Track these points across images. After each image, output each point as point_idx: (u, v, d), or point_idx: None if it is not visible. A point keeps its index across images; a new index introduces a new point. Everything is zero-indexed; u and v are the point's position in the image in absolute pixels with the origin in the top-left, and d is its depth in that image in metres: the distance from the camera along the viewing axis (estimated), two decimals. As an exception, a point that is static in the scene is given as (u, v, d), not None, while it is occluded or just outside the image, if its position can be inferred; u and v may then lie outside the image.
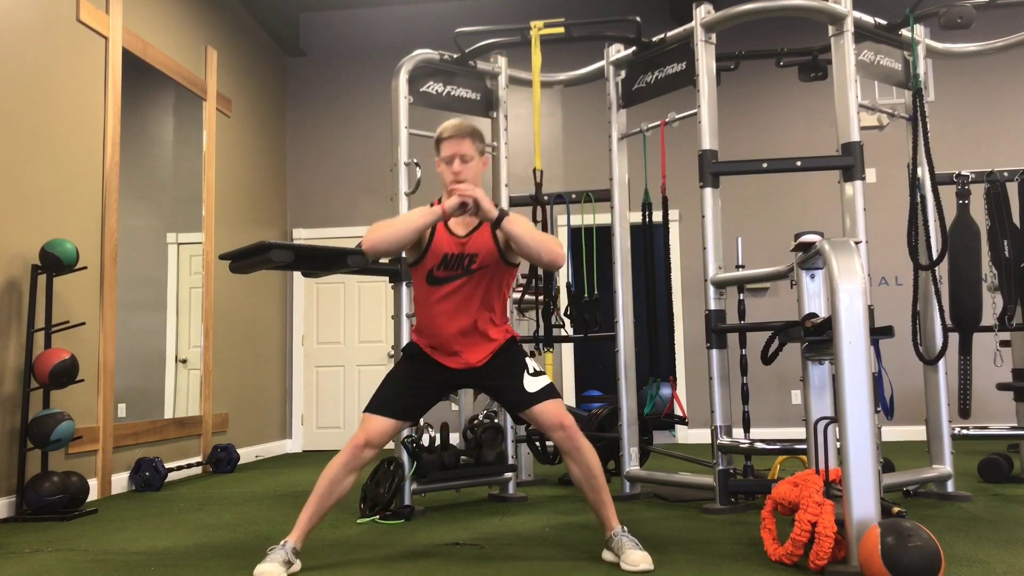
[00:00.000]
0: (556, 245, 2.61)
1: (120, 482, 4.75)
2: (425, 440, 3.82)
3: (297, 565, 2.63)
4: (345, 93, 7.66)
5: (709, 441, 3.66)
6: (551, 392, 2.72)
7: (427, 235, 2.72)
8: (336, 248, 3.66)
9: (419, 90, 4.11)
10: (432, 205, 2.70)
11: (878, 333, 3.03)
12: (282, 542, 2.61)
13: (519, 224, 2.60)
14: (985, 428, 4.31)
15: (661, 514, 3.54)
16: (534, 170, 4.18)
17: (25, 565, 2.85)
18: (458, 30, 4.14)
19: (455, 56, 4.18)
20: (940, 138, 6.44)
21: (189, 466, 5.36)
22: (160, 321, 5.59)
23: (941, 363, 3.82)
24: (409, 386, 2.79)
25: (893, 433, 6.21)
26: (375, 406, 2.73)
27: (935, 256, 3.76)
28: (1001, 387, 4.37)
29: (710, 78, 3.72)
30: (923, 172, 3.84)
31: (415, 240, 2.65)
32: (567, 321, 4.68)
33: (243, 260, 3.46)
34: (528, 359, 2.80)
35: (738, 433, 3.91)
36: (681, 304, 6.89)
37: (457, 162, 2.68)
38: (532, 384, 2.72)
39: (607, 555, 2.65)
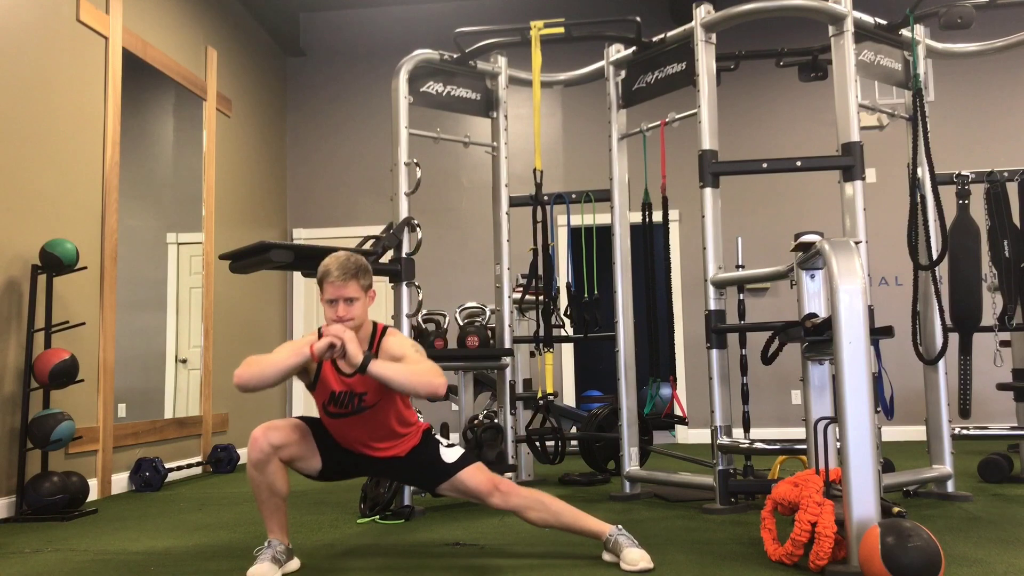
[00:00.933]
0: (433, 376, 2.49)
1: (120, 482, 4.75)
2: (425, 440, 3.82)
3: (295, 563, 2.63)
4: (345, 93, 7.66)
5: (709, 441, 3.66)
6: (467, 460, 2.70)
7: (314, 369, 2.61)
8: (336, 248, 3.65)
9: (419, 90, 4.11)
10: (319, 334, 2.59)
11: (878, 333, 3.03)
12: (267, 541, 2.60)
13: (387, 367, 2.45)
14: (985, 428, 4.31)
15: (661, 514, 3.54)
16: (534, 170, 4.18)
17: (25, 565, 2.85)
18: (458, 30, 4.15)
19: (455, 56, 4.18)
20: (940, 138, 6.44)
21: (189, 466, 5.36)
22: (160, 321, 5.59)
23: (941, 363, 3.82)
24: (334, 443, 2.71)
25: (893, 433, 6.21)
26: (301, 417, 2.70)
27: (935, 256, 3.76)
28: (1001, 387, 4.37)
29: (710, 78, 3.72)
30: (923, 172, 3.84)
31: (284, 379, 2.54)
32: (567, 321, 4.68)
33: (243, 260, 3.46)
34: (436, 435, 2.77)
35: (738, 433, 3.91)
36: (681, 304, 6.88)
37: (342, 305, 2.55)
38: (449, 455, 2.70)
39: (607, 556, 2.65)
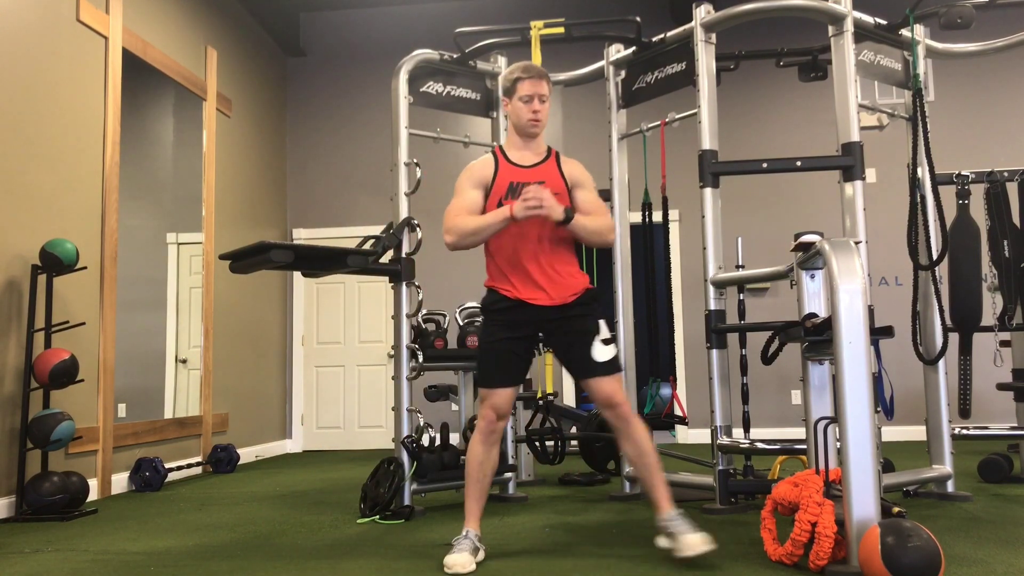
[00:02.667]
0: (612, 231, 2.84)
1: (120, 482, 4.75)
2: (425, 440, 3.83)
3: (482, 553, 2.68)
4: (345, 93, 7.66)
5: (709, 441, 3.66)
6: (613, 367, 2.73)
7: (491, 176, 2.80)
8: (336, 248, 3.66)
9: (419, 90, 4.11)
10: (494, 153, 2.86)
11: (878, 333, 3.03)
12: (464, 531, 2.67)
13: (586, 221, 2.74)
14: (985, 428, 4.31)
15: (661, 514, 3.53)
16: (534, 170, 4.18)
17: (25, 565, 2.85)
18: (458, 30, 4.15)
19: (455, 56, 4.18)
20: (940, 138, 6.44)
21: (189, 466, 5.36)
22: (160, 321, 5.59)
23: (941, 363, 3.82)
24: (507, 349, 2.78)
25: (893, 433, 6.21)
26: (488, 380, 2.77)
27: (935, 256, 3.76)
28: (1001, 387, 4.37)
29: (710, 78, 3.72)
30: (923, 172, 3.83)
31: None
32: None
33: (243, 260, 3.46)
34: (602, 322, 2.78)
35: (738, 433, 3.91)
36: (681, 304, 6.88)
37: (536, 101, 2.77)
38: (600, 353, 2.73)
39: (661, 541, 2.65)
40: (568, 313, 2.75)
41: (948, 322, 3.91)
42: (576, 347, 2.75)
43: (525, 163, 2.83)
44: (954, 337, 4.02)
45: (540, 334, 2.85)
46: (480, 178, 2.81)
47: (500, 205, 2.75)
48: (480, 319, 4.29)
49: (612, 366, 2.73)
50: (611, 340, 2.77)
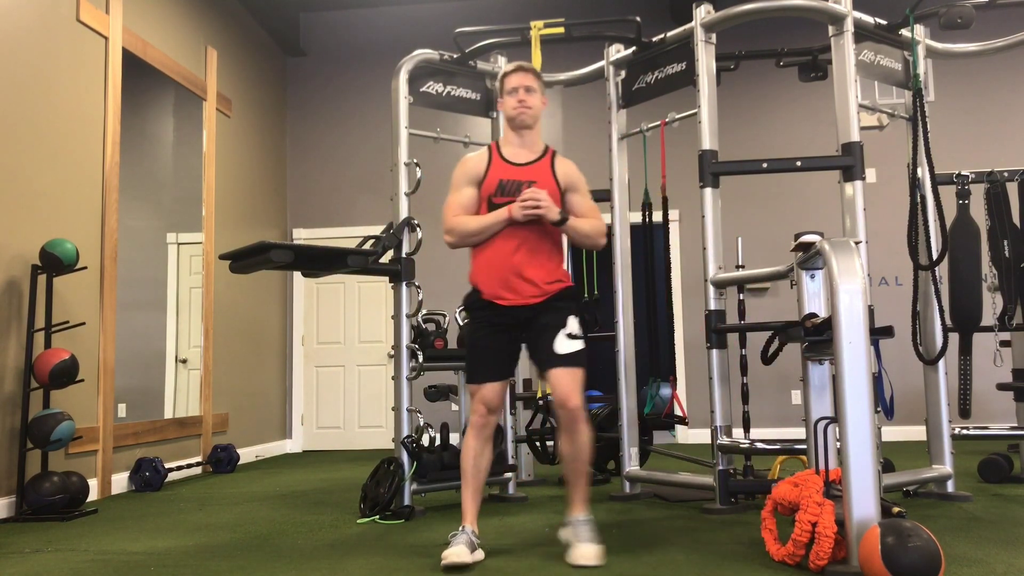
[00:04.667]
0: (603, 234, 2.86)
1: (120, 482, 4.75)
2: (425, 440, 3.83)
3: (480, 553, 2.68)
4: (345, 93, 7.66)
5: (709, 441, 3.66)
6: (574, 361, 2.71)
7: (483, 171, 2.83)
8: (336, 248, 3.66)
9: (419, 90, 4.11)
10: (489, 149, 2.89)
11: (878, 333, 3.03)
12: (461, 527, 2.68)
13: (581, 223, 2.80)
14: (985, 428, 4.31)
15: (661, 514, 3.54)
16: (534, 170, 4.18)
17: (25, 565, 2.85)
18: (458, 30, 4.15)
19: (455, 56, 4.18)
20: (940, 138, 6.44)
21: (189, 466, 5.36)
22: (160, 321, 5.59)
23: (941, 363, 3.82)
24: (488, 344, 2.81)
25: (893, 433, 6.21)
26: (473, 376, 2.79)
27: (935, 256, 3.76)
28: (1001, 387, 4.37)
29: (710, 78, 3.72)
30: (923, 172, 3.84)
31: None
32: (567, 321, 4.67)
33: (243, 260, 3.46)
34: (572, 317, 2.76)
35: (738, 433, 3.91)
36: (681, 304, 6.88)
37: (522, 91, 2.80)
38: (562, 345, 2.71)
39: (563, 533, 2.75)
40: (539, 309, 2.76)
41: (948, 322, 3.91)
42: (541, 340, 2.74)
43: (518, 160, 2.84)
44: (954, 337, 4.02)
45: (522, 331, 2.86)
46: (473, 173, 2.84)
47: (489, 202, 2.79)
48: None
49: (573, 359, 2.70)
50: (578, 337, 2.75)
